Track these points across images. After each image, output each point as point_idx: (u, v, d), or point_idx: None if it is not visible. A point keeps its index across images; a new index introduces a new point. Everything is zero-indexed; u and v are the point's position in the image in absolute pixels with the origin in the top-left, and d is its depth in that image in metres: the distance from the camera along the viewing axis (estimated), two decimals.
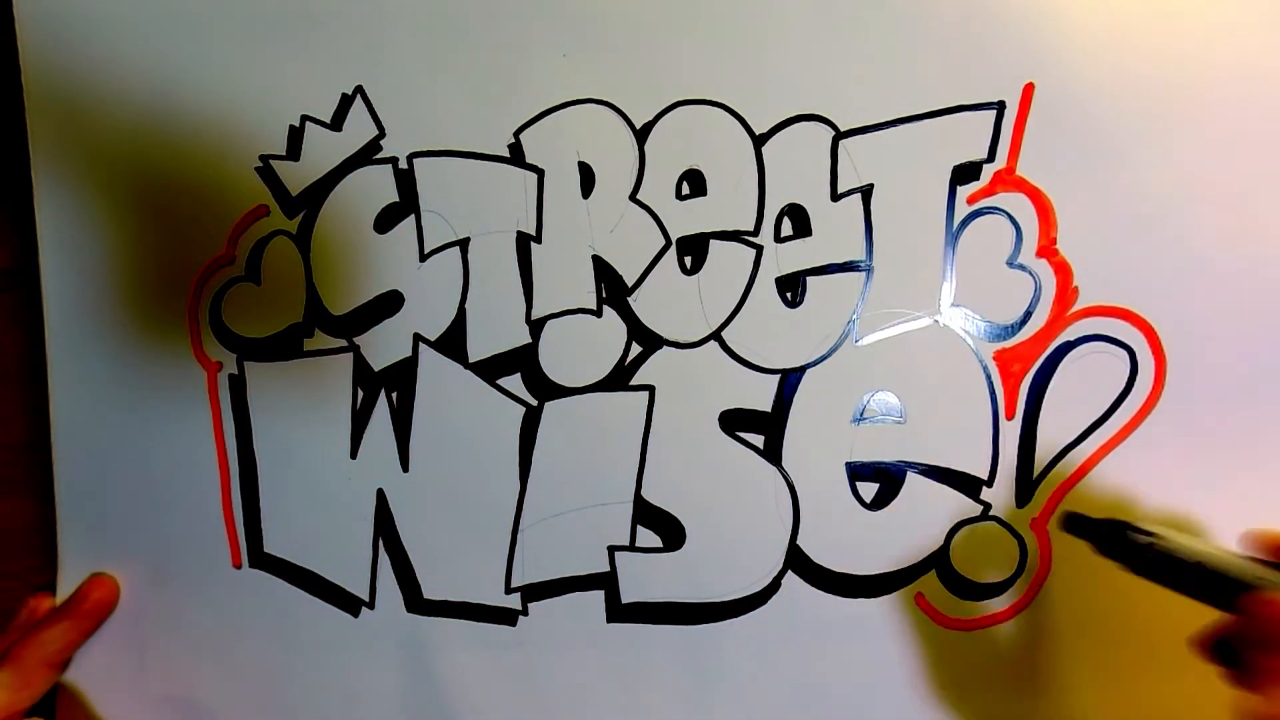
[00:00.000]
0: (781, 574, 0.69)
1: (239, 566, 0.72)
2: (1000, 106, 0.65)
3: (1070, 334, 0.66)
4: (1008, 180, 0.66)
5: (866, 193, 0.67)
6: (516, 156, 0.68)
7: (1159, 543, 0.54)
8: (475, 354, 0.70)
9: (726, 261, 0.68)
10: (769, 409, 0.68)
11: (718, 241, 0.68)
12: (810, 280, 0.67)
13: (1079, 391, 0.66)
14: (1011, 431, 0.67)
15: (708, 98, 0.67)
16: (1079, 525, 0.59)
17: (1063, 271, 0.66)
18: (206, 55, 0.70)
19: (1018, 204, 0.66)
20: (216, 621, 0.72)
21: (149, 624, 0.73)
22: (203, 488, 0.72)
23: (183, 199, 0.70)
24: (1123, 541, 0.56)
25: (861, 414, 0.67)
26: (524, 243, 0.69)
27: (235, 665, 0.72)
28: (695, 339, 0.68)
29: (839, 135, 0.66)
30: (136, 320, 0.71)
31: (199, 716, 0.73)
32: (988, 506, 0.67)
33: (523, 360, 0.69)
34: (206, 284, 0.71)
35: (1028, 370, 0.66)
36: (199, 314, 0.71)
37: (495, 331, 0.69)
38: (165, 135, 0.70)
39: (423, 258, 0.69)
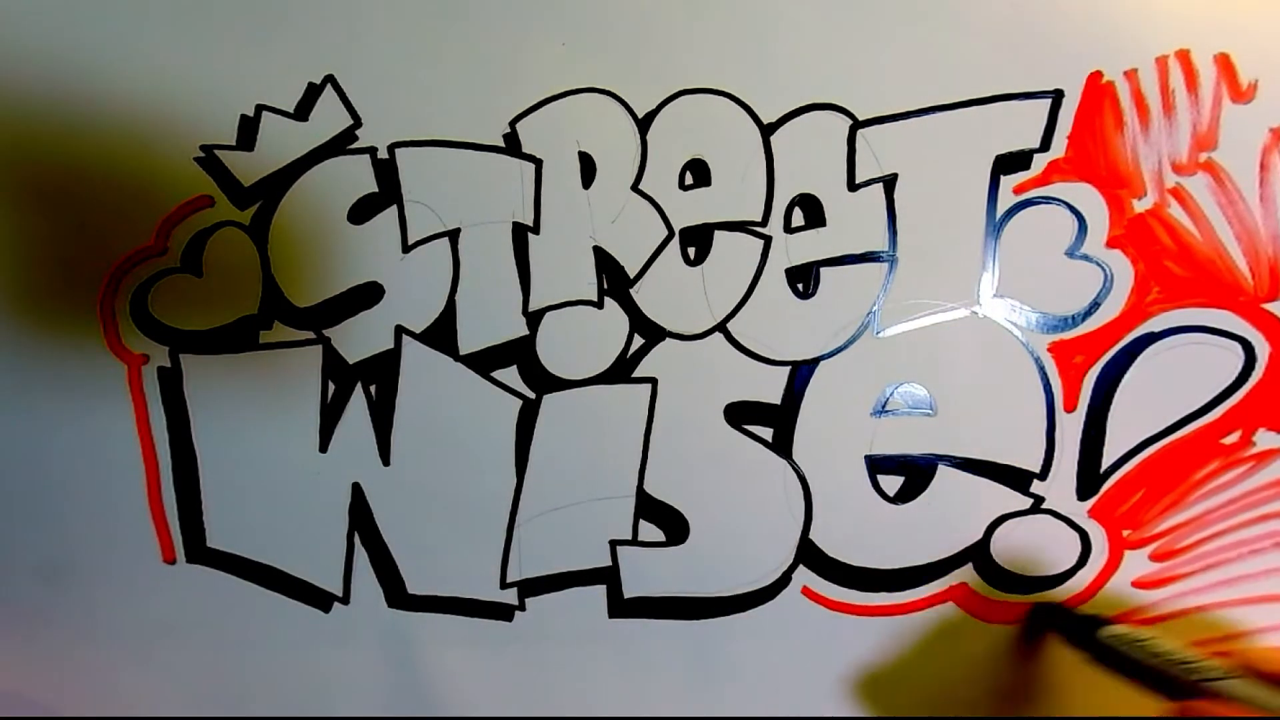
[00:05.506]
0: (792, 568, 0.68)
1: (172, 562, 0.69)
2: (1057, 95, 0.63)
3: (1154, 325, 0.65)
4: (1066, 170, 0.64)
5: (889, 182, 0.65)
6: (513, 146, 0.65)
7: (1121, 642, 0.60)
8: (467, 346, 0.67)
9: (732, 252, 0.66)
10: (778, 401, 0.67)
11: (723, 232, 0.66)
12: (825, 271, 0.66)
13: (1165, 384, 0.66)
14: (1073, 424, 0.67)
15: (712, 86, 0.65)
16: (1051, 617, 0.64)
17: (1143, 261, 0.65)
18: (135, 39, 0.64)
19: (1080, 194, 0.64)
20: (142, 618, 0.70)
21: (50, 623, 0.70)
22: (121, 482, 0.68)
23: (99, 190, 0.65)
24: (1090, 637, 0.62)
25: (884, 406, 0.66)
26: (520, 234, 0.66)
27: (168, 662, 0.71)
28: (699, 330, 0.66)
29: (857, 124, 0.64)
30: (32, 315, 0.67)
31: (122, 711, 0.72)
32: (1039, 499, 0.67)
33: (519, 352, 0.67)
34: (127, 276, 0.66)
35: (1094, 362, 0.66)
36: (115, 306, 0.66)
37: (489, 323, 0.67)
38: (81, 122, 0.64)
39: (406, 249, 0.66)
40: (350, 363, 0.67)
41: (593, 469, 0.68)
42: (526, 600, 0.70)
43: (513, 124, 0.65)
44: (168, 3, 0.64)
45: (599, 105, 0.64)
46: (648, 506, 0.68)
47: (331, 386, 0.67)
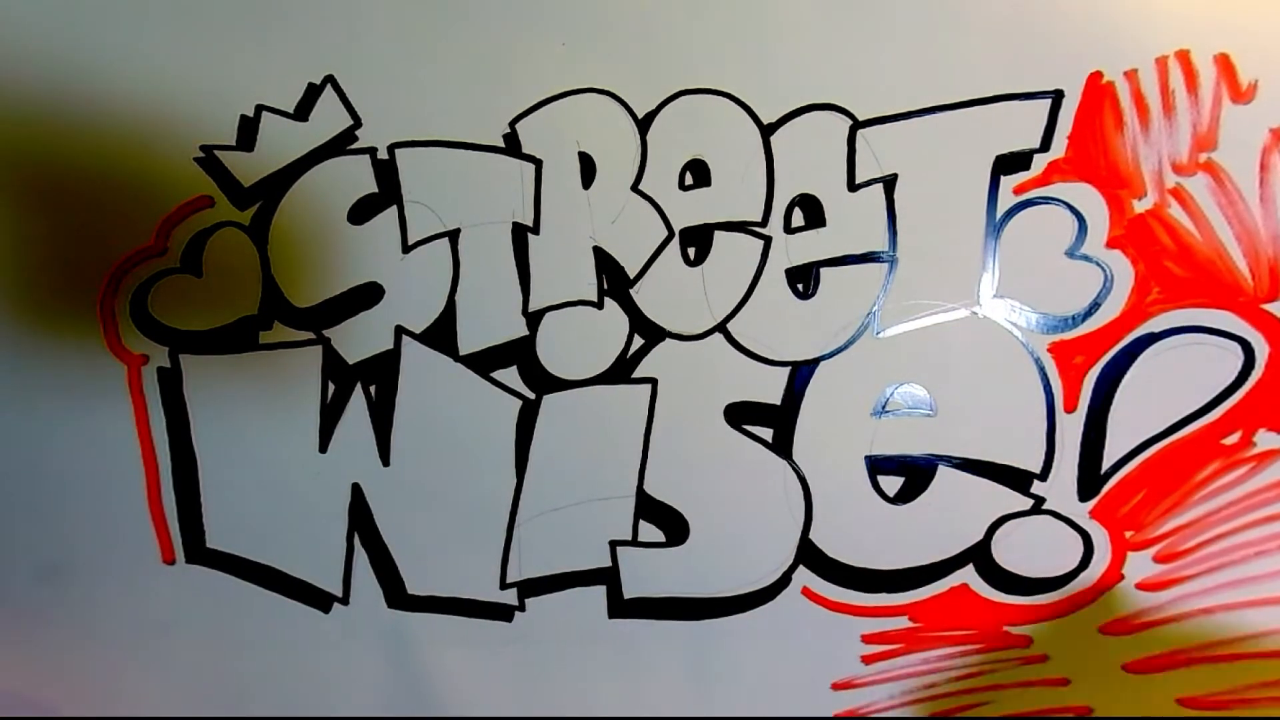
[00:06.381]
0: (792, 569, 0.68)
1: (172, 562, 0.69)
2: (1057, 95, 0.63)
3: (1154, 325, 0.65)
4: (1067, 170, 0.64)
5: (889, 183, 0.64)
6: (513, 147, 0.65)
7: None
8: (466, 347, 0.67)
9: (732, 252, 0.66)
10: (778, 401, 0.67)
11: (723, 232, 0.65)
12: (825, 271, 0.65)
13: (1165, 384, 0.66)
14: (1073, 424, 0.66)
15: (712, 86, 0.64)
16: None
17: (1143, 261, 0.64)
18: (135, 39, 0.64)
19: (1080, 194, 0.64)
20: (142, 618, 0.70)
21: (50, 623, 0.70)
22: (121, 482, 0.68)
23: (99, 190, 0.65)
24: None
25: (884, 407, 0.66)
26: (520, 234, 0.66)
27: (168, 662, 0.71)
28: (699, 331, 0.66)
29: (857, 125, 0.64)
30: (32, 315, 0.66)
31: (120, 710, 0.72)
32: (1040, 500, 0.67)
33: (519, 353, 0.67)
34: (127, 276, 0.66)
35: (1094, 362, 0.66)
36: (115, 306, 0.66)
37: (489, 324, 0.66)
38: (81, 122, 0.64)
39: (406, 249, 0.66)
40: (350, 363, 0.67)
41: (593, 469, 0.68)
42: (526, 600, 0.70)
43: (513, 124, 0.64)
44: (168, 3, 0.63)
45: (599, 105, 0.64)
46: (648, 507, 0.68)
47: (331, 387, 0.67)
